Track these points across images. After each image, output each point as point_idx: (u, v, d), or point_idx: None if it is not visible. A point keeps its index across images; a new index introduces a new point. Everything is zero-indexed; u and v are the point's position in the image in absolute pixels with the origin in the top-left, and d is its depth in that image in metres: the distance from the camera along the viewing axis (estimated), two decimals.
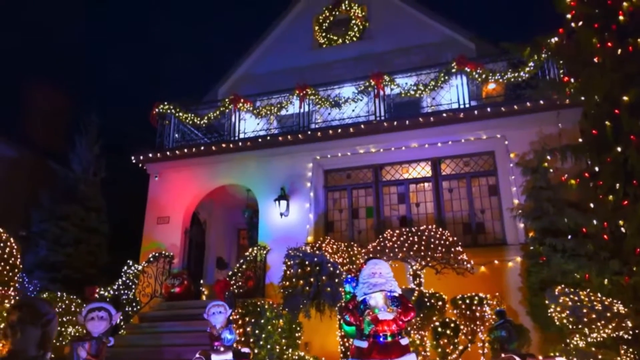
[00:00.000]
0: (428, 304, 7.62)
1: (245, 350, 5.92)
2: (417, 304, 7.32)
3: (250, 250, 10.32)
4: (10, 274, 6.33)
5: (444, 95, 10.97)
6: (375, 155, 10.79)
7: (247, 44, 15.09)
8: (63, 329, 8.02)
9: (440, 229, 8.64)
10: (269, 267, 10.32)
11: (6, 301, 6.14)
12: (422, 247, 8.08)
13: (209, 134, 13.00)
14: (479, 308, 7.74)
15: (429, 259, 8.18)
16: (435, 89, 10.82)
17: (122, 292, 9.43)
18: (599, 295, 6.79)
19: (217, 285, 9.62)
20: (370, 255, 7.67)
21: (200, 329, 7.05)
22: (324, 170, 11.24)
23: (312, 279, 7.26)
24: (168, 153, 12.01)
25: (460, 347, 7.69)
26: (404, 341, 4.01)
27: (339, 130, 10.88)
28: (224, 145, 11.72)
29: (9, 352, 2.89)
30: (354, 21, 14.00)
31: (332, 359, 7.87)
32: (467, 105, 10.33)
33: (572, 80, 8.26)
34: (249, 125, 12.27)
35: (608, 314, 6.46)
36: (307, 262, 7.44)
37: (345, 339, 7.27)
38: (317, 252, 8.33)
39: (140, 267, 10.02)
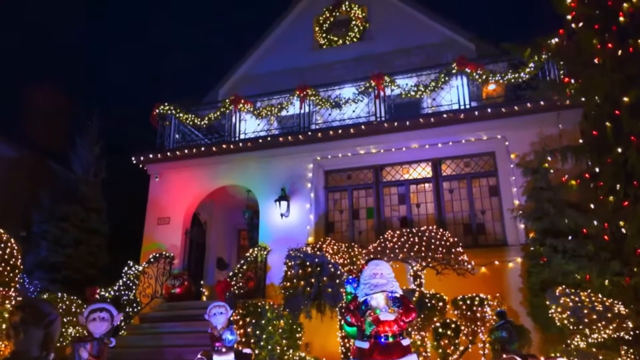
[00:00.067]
0: (429, 304, 7.62)
1: (247, 351, 5.91)
2: (417, 305, 7.30)
3: (250, 250, 10.31)
4: (11, 274, 6.30)
5: (445, 96, 10.97)
6: (375, 156, 10.80)
7: (247, 45, 15.13)
8: (64, 330, 8.00)
9: (441, 230, 8.64)
10: (270, 268, 10.32)
11: (7, 302, 6.13)
12: (423, 248, 8.08)
13: (210, 134, 13.01)
14: (479, 309, 7.75)
15: (429, 259, 8.18)
16: (436, 90, 10.83)
17: (122, 292, 9.42)
18: (600, 296, 6.80)
19: (218, 286, 9.61)
20: (371, 256, 7.65)
21: (201, 330, 7.03)
22: (325, 170, 11.24)
23: (313, 280, 7.27)
24: (168, 154, 12.02)
25: (461, 348, 7.69)
26: (406, 342, 4.02)
27: (340, 131, 10.87)
28: (224, 146, 11.73)
29: (11, 352, 2.90)
30: (354, 22, 14.01)
31: (333, 359, 7.87)
32: (467, 106, 10.33)
33: (572, 81, 8.27)
34: (249, 126, 12.29)
35: (609, 315, 6.47)
36: (308, 263, 7.46)
37: (346, 340, 7.28)
38: (318, 252, 8.34)
39: (140, 268, 10.03)
